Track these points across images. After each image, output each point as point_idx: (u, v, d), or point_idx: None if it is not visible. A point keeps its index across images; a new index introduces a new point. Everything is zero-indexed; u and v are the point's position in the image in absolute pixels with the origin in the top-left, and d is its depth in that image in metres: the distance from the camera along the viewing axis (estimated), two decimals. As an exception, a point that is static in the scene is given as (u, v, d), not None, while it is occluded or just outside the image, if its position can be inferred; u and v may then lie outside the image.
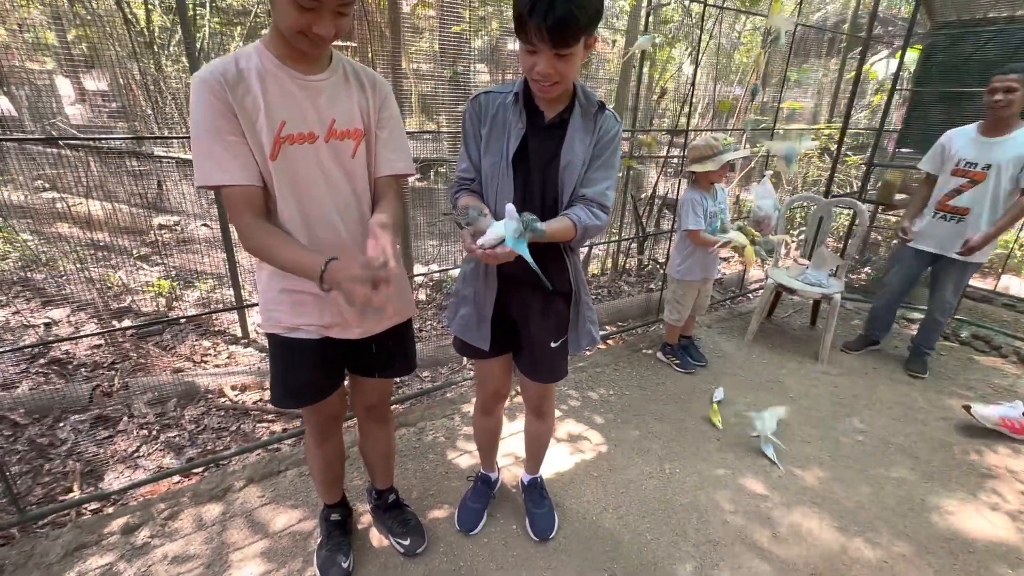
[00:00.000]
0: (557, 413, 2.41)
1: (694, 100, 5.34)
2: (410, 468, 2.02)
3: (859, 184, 3.95)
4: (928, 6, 3.58)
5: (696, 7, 4.04)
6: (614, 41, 4.35)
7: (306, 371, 1.25)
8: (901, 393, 2.70)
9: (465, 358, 2.32)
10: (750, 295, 3.99)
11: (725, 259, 4.73)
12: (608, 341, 3.18)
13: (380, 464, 1.63)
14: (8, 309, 3.10)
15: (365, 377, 1.40)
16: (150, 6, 4.47)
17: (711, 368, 2.88)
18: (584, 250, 4.43)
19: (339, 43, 2.68)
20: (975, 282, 3.93)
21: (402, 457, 2.07)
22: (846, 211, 4.44)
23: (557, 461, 2.10)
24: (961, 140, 2.56)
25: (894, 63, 4.08)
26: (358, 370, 1.38)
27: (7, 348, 2.53)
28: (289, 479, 1.93)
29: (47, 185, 4.38)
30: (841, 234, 4.64)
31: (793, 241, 4.60)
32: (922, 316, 2.98)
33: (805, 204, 4.00)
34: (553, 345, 1.43)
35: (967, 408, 2.35)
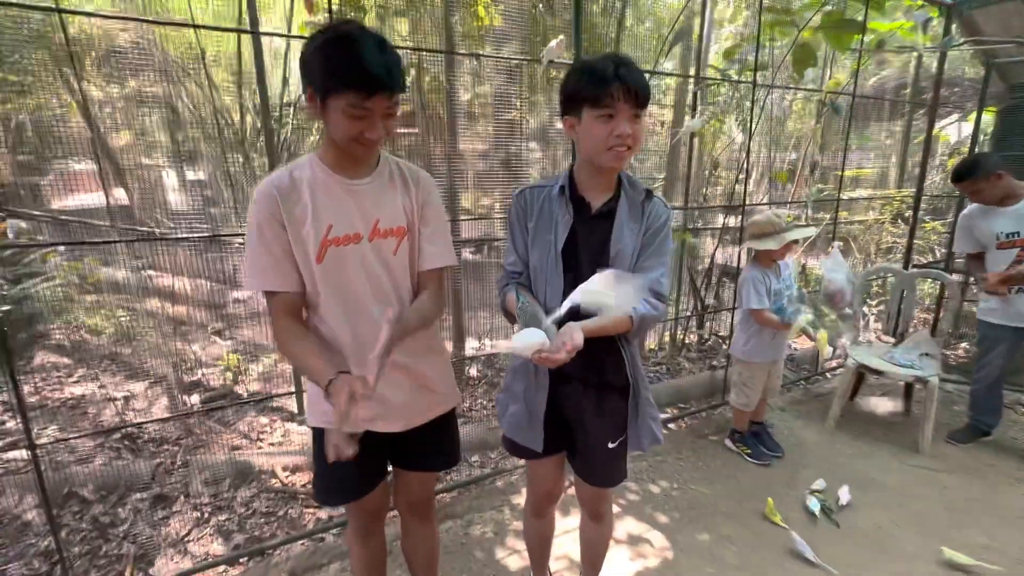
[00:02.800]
0: (615, 509, 2.21)
1: (748, 169, 5.28)
2: (456, 567, 1.88)
3: (944, 252, 3.64)
4: (1000, 69, 3.42)
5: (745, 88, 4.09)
6: (663, 122, 4.44)
7: (349, 465, 1.20)
8: (1030, 498, 2.28)
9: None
10: (828, 374, 3.64)
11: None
12: (670, 425, 2.95)
13: (423, 567, 1.52)
14: (95, 383, 3.35)
15: (407, 471, 1.36)
16: (245, 109, 5.12)
17: (788, 458, 2.58)
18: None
19: (403, 129, 2.89)
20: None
21: (447, 554, 1.93)
22: (930, 282, 4.07)
23: (615, 566, 1.89)
24: (983, 218, 2.50)
25: (966, 126, 3.87)
26: (400, 463, 1.35)
27: (89, 432, 2.69)
28: (331, 573, 1.84)
29: (145, 264, 4.89)
30: (927, 305, 4.24)
31: (872, 315, 4.23)
32: None
33: (883, 275, 3.71)
34: (611, 446, 1.32)
35: None
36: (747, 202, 3.08)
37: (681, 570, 1.88)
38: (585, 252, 1.26)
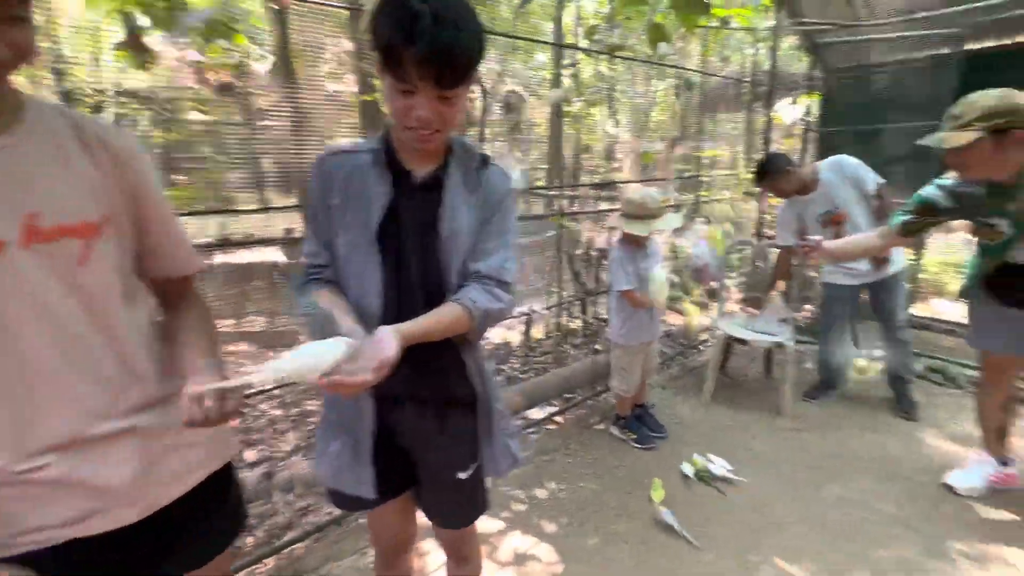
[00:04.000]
0: (499, 524, 1.98)
1: (618, 155, 5.39)
2: (305, 641, 1.51)
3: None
4: (821, 54, 3.77)
5: (607, 68, 4.11)
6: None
7: None
8: (875, 444, 2.47)
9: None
10: (700, 347, 3.78)
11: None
12: (557, 419, 2.80)
13: None
14: None
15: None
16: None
17: (672, 437, 2.56)
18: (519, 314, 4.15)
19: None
20: (913, 310, 3.93)
21: (295, 625, 1.55)
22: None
23: (500, 598, 1.65)
24: (797, 208, 2.71)
25: (796, 109, 4.25)
26: (169, 566, 0.86)
27: None
28: None
29: None
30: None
31: (735, 286, 4.53)
32: (877, 362, 2.86)
33: (740, 248, 3.94)
34: (462, 476, 1.05)
35: (949, 488, 2.10)
36: (619, 184, 3.02)
37: (571, 583, 1.70)
38: (410, 233, 0.97)
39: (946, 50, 2.98)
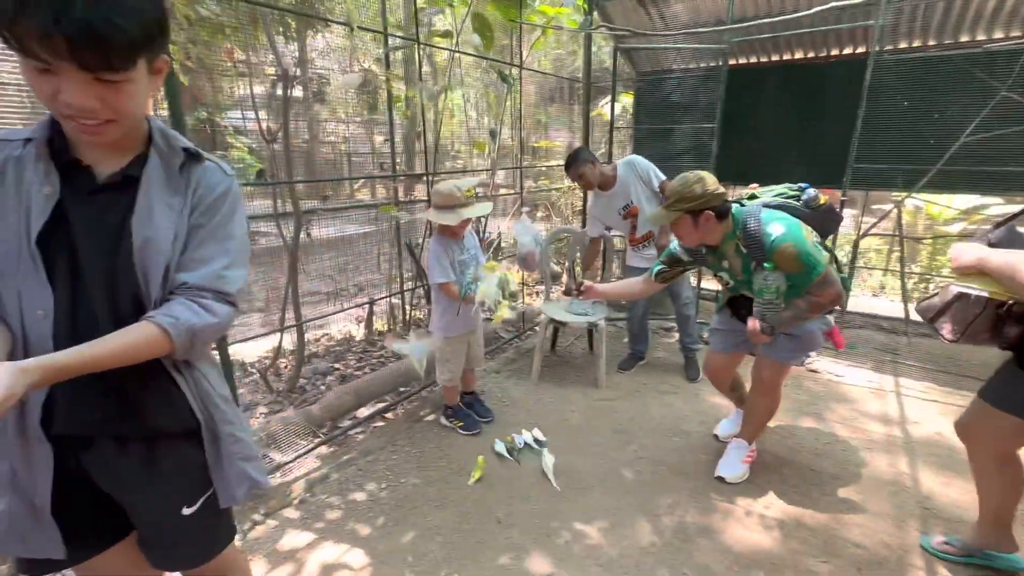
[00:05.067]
0: (308, 537, 1.88)
1: (427, 138, 5.39)
2: None
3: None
4: (631, 58, 4.16)
5: (440, 58, 4.06)
6: (388, 86, 4.07)
7: None
8: (667, 405, 2.85)
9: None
10: (534, 330, 4.00)
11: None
12: (387, 415, 2.75)
13: None
14: None
15: None
16: None
17: (499, 420, 2.67)
18: (361, 310, 3.97)
19: None
20: (708, 284, 4.61)
21: None
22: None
23: (299, 617, 1.56)
24: (602, 203, 3.04)
25: (616, 107, 4.66)
26: None
27: None
28: None
29: None
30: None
31: (562, 271, 4.87)
32: (675, 323, 3.31)
33: (563, 235, 4.22)
34: (188, 512, 0.94)
35: (717, 437, 2.50)
36: (434, 172, 3.02)
37: (379, 586, 1.68)
38: (87, 241, 0.82)
39: (716, 63, 3.47)
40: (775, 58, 3.80)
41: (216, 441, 0.94)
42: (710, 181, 1.80)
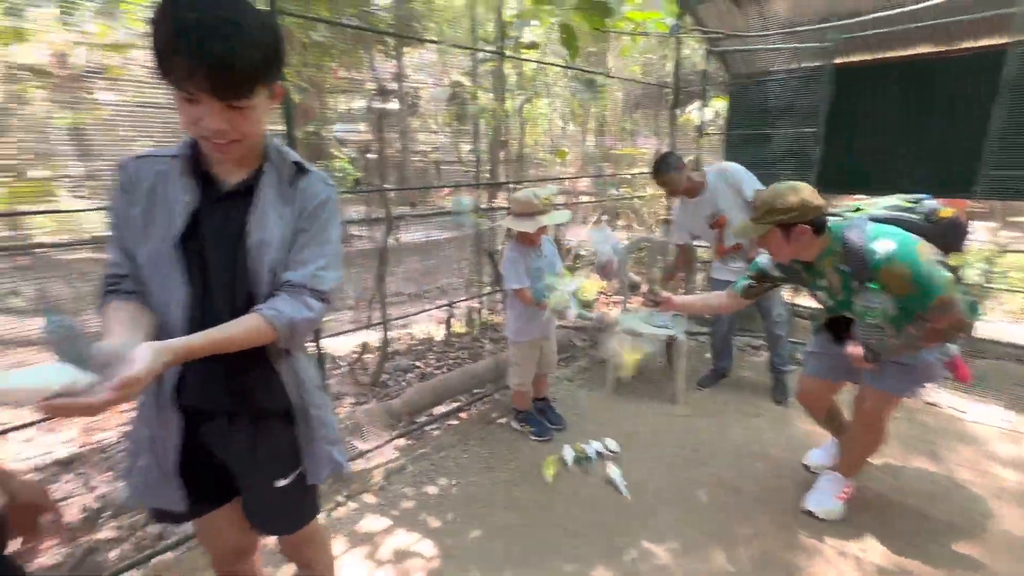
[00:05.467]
0: (385, 523, 2.00)
1: (505, 145, 5.46)
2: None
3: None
4: (724, 61, 3.97)
5: (528, 68, 4.15)
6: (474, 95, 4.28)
7: None
8: (751, 428, 2.67)
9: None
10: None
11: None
12: (461, 415, 2.85)
13: None
14: None
15: None
16: None
17: (570, 429, 2.66)
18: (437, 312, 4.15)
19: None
20: (805, 301, 4.24)
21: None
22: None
23: (372, 596, 1.67)
24: (688, 210, 2.91)
25: (707, 112, 4.45)
26: None
27: None
28: None
29: None
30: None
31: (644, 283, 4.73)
32: (765, 341, 3.09)
33: (647, 245, 4.11)
34: (281, 484, 1.05)
35: (807, 467, 2.30)
36: (511, 180, 3.09)
37: (446, 578, 1.75)
38: (215, 243, 0.95)
39: (819, 62, 3.21)
40: (889, 54, 3.43)
41: (307, 423, 1.05)
42: (806, 192, 1.66)
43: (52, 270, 2.80)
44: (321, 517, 1.22)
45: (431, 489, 2.20)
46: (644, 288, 4.34)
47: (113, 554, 1.83)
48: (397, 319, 3.71)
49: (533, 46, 3.69)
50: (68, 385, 0.67)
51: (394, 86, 4.32)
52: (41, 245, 3.06)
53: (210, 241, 0.95)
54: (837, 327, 1.93)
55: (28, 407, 0.66)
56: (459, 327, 4.21)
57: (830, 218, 1.72)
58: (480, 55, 3.38)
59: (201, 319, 0.93)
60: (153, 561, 1.77)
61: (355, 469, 2.30)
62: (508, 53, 2.94)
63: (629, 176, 5.02)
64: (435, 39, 2.64)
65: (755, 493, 2.16)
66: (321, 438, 1.07)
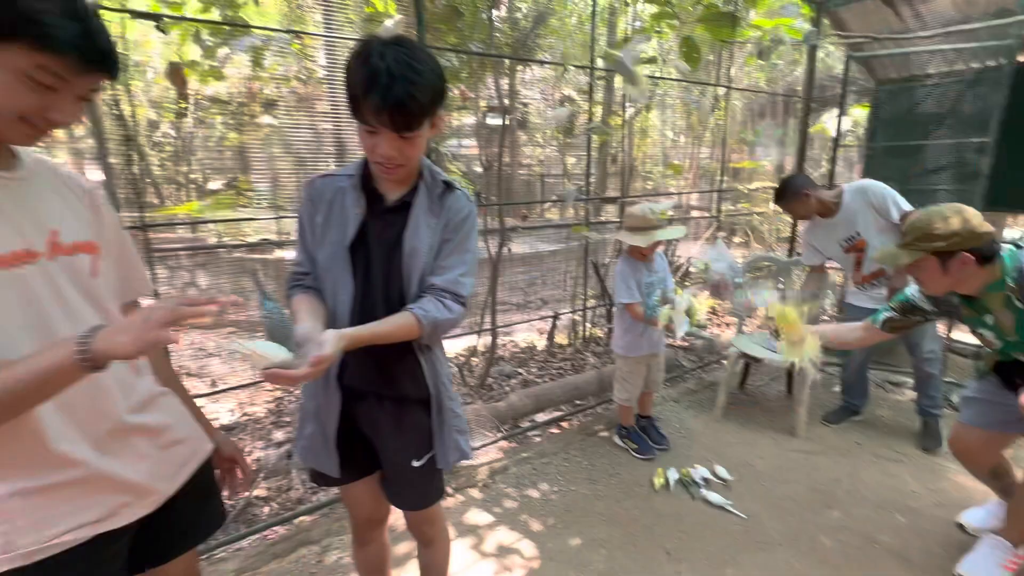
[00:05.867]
0: (488, 518, 2.10)
1: (626, 161, 5.36)
2: (299, 602, 1.70)
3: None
4: (868, 66, 3.61)
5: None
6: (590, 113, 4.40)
7: None
8: (889, 475, 2.37)
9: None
10: (721, 362, 3.72)
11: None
12: (562, 424, 2.89)
13: None
14: None
15: (164, 565, 0.99)
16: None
17: (674, 451, 2.58)
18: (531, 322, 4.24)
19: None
20: (961, 335, 3.67)
21: (294, 588, 1.75)
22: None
23: (476, 584, 1.77)
24: (820, 231, 2.66)
25: (844, 121, 4.07)
26: (150, 559, 0.97)
27: None
28: None
29: None
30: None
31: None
32: (909, 379, 2.74)
33: (764, 264, 3.84)
34: (416, 464, 1.18)
35: (961, 527, 1.99)
36: (629, 194, 3.07)
37: (545, 580, 1.79)
38: (376, 249, 1.12)
39: (996, 62, 2.79)
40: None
41: (440, 412, 1.18)
42: (971, 215, 1.45)
43: (221, 266, 3.37)
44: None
45: (533, 492, 2.27)
46: (761, 311, 4.06)
47: (265, 510, 2.15)
48: (503, 327, 3.87)
49: (650, 61, 3.67)
50: (285, 359, 0.84)
51: (506, 102, 4.54)
52: (215, 246, 3.67)
53: (373, 247, 1.11)
54: (1008, 372, 1.67)
55: (253, 370, 0.84)
56: (561, 339, 4.27)
57: (1004, 245, 1.50)
58: (597, 73, 3.44)
59: (361, 311, 1.09)
60: (296, 520, 2.06)
61: (461, 465, 2.45)
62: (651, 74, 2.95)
63: (747, 191, 4.74)
64: (553, 60, 2.75)
65: (894, 547, 1.92)
66: (452, 427, 1.19)
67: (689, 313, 2.18)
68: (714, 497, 2.16)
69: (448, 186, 1.15)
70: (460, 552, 1.91)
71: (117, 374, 0.85)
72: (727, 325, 4.55)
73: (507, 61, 4.04)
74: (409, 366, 1.14)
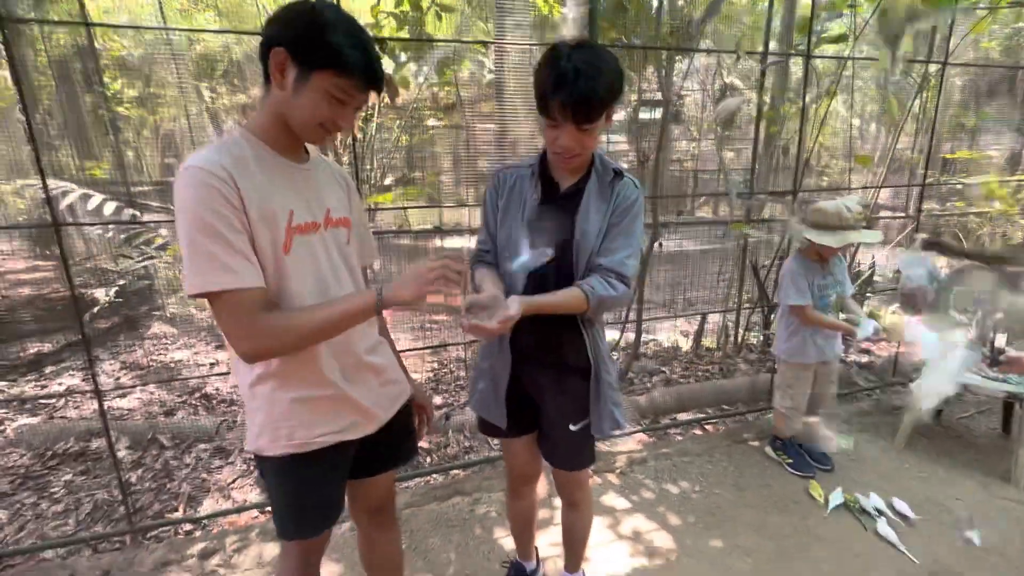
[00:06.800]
0: (625, 504, 2.14)
1: (804, 153, 4.77)
2: (455, 540, 1.95)
3: (1078, 249, 3.01)
4: None
5: (823, 64, 3.67)
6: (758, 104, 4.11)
7: (325, 488, 1.11)
8: None
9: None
10: (908, 384, 3.17)
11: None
12: (706, 427, 2.78)
13: None
14: (191, 350, 3.89)
15: (372, 477, 1.23)
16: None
17: (839, 473, 2.31)
18: (690, 322, 4.06)
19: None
20: None
21: (449, 527, 2.01)
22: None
23: (614, 561, 1.84)
24: None
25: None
26: (365, 470, 1.20)
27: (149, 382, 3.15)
28: (342, 531, 1.99)
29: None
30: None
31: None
32: None
33: (984, 276, 3.16)
34: (572, 428, 1.30)
35: None
36: (803, 188, 2.80)
37: (682, 574, 1.78)
38: (551, 229, 1.25)
39: None
40: None
41: (598, 382, 1.27)
42: None
43: (390, 251, 3.88)
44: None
45: (671, 488, 2.24)
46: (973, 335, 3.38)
47: (427, 460, 2.48)
48: (648, 319, 3.81)
49: (841, 39, 3.26)
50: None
51: (660, 96, 4.41)
52: (382, 232, 4.18)
53: (548, 227, 1.24)
54: None
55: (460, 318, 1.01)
56: (708, 342, 4.05)
57: None
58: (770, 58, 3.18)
59: (533, 287, 1.23)
60: (452, 472, 2.34)
61: (601, 449, 2.52)
62: (813, 52, 2.69)
63: (960, 185, 3.94)
64: (732, 50, 2.61)
65: None
66: (607, 398, 1.28)
67: (873, 316, 1.94)
68: (890, 534, 1.91)
69: (618, 174, 1.23)
70: (597, 530, 1.98)
71: None
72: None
73: (664, 52, 3.93)
74: (573, 337, 1.25)
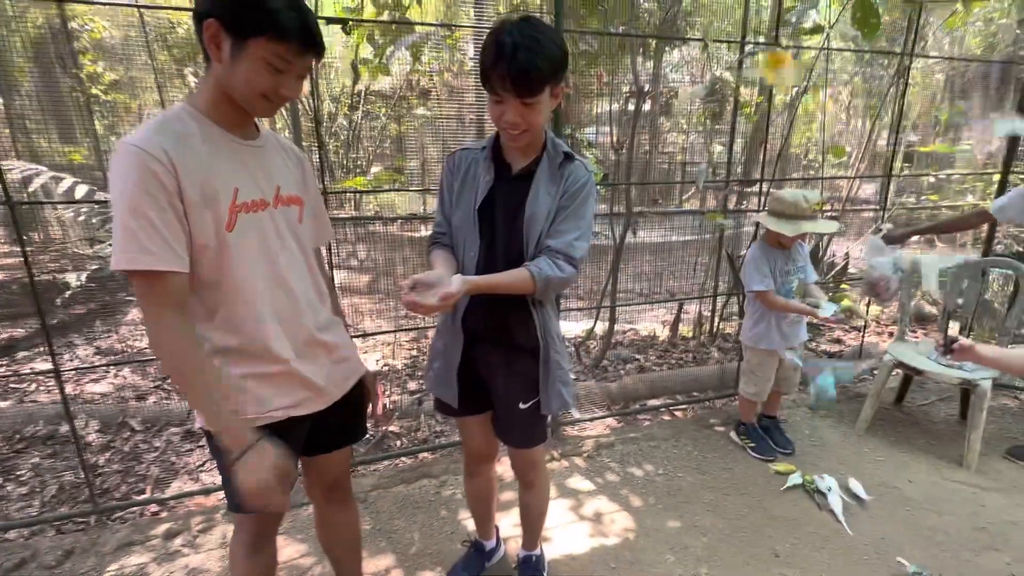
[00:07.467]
0: (589, 486, 2.19)
1: (769, 142, 4.82)
2: (419, 520, 1.98)
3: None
4: None
5: (808, 56, 3.70)
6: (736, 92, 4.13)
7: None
8: (1094, 530, 1.91)
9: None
10: (874, 372, 3.25)
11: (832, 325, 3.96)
12: (675, 413, 2.83)
13: (348, 557, 1.42)
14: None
15: (325, 453, 1.24)
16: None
17: (799, 457, 2.37)
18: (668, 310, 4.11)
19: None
20: None
21: (415, 509, 2.04)
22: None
23: (572, 541, 1.87)
24: None
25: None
26: (318, 447, 1.22)
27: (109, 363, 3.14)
28: (308, 511, 2.01)
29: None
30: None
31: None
32: None
33: (951, 268, 3.24)
34: (522, 407, 1.32)
35: None
36: (772, 179, 2.83)
37: (640, 553, 1.83)
38: (501, 213, 1.26)
39: None
40: None
41: (547, 363, 1.29)
42: None
43: (377, 240, 3.87)
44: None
45: (636, 471, 2.29)
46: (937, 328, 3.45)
47: (397, 443, 2.50)
48: (622, 304, 3.84)
49: (816, 30, 3.29)
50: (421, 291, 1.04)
51: (647, 88, 4.41)
52: (370, 218, 4.21)
53: (499, 210, 1.26)
54: None
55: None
56: (685, 330, 4.11)
57: None
58: (749, 48, 3.19)
59: (485, 267, 1.25)
60: (420, 455, 2.37)
61: (569, 434, 2.56)
62: (785, 46, 2.72)
63: (934, 179, 4.00)
64: (698, 38, 2.62)
65: (1082, 611, 1.57)
66: (556, 378, 1.30)
67: (836, 300, 1.98)
68: (836, 505, 1.98)
69: (568, 157, 1.24)
70: (559, 512, 2.03)
71: (308, 299, 1.11)
72: (889, 335, 3.94)
73: (652, 42, 3.93)
74: (522, 317, 1.27)
